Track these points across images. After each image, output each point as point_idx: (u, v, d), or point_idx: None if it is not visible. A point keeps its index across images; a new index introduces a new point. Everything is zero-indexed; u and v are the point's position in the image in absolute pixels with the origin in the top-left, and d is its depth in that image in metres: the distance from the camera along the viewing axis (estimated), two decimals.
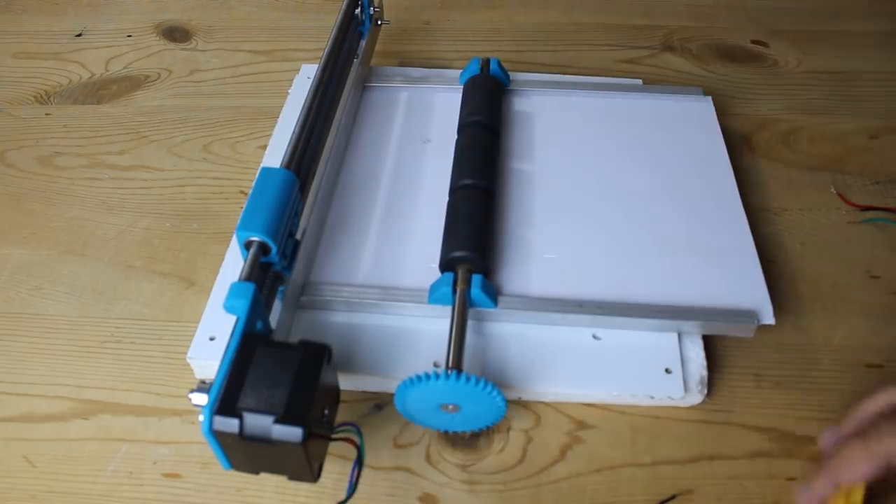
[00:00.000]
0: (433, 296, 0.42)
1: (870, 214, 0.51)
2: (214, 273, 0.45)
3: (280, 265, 0.39)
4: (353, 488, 0.35)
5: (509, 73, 0.57)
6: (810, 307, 0.45)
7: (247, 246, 0.38)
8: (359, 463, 0.36)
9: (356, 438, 0.36)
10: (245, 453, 0.32)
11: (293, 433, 0.30)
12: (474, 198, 0.46)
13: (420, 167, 0.52)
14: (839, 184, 0.53)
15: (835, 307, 0.45)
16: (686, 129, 0.54)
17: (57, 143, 0.58)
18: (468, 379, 0.35)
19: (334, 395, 0.36)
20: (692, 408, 0.41)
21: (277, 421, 0.30)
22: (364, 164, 0.52)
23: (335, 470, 0.39)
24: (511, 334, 0.42)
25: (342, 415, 0.38)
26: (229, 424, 0.31)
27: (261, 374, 0.32)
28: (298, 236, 0.42)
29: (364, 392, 0.42)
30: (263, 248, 0.38)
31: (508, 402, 0.38)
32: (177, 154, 0.57)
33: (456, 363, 0.37)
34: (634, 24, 0.69)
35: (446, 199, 0.47)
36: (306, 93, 0.47)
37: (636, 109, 0.56)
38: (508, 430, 0.40)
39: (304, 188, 0.43)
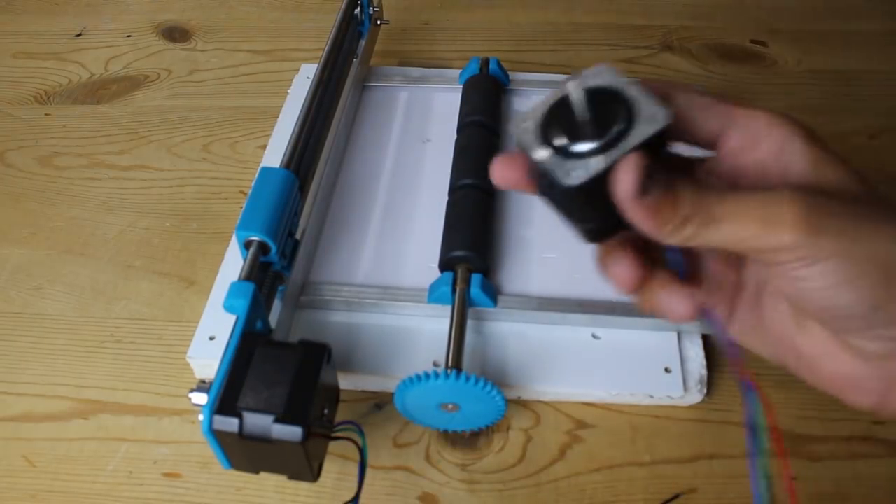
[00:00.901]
0: (433, 295, 0.42)
1: None
2: (214, 273, 0.45)
3: (280, 265, 0.39)
4: (359, 488, 0.35)
5: (509, 72, 0.57)
6: None
7: (246, 245, 0.38)
8: (362, 462, 0.35)
9: (358, 438, 0.36)
10: (245, 453, 0.32)
11: (293, 432, 0.30)
12: (474, 197, 0.46)
13: (420, 167, 0.52)
14: None
15: None
16: None
17: (56, 143, 0.58)
18: (468, 378, 0.35)
19: (334, 394, 0.37)
20: (691, 407, 0.41)
21: (277, 420, 0.30)
22: (363, 164, 0.52)
23: (335, 469, 0.39)
24: (510, 334, 0.42)
25: (342, 414, 0.38)
26: (229, 424, 0.31)
27: (260, 373, 0.32)
28: (298, 236, 0.42)
29: (364, 391, 0.42)
30: (263, 248, 0.38)
31: (508, 401, 0.38)
32: (176, 154, 0.57)
33: (455, 362, 0.37)
34: (634, 24, 0.69)
35: (446, 198, 0.47)
36: (306, 93, 0.47)
37: None
38: (508, 429, 0.40)
39: (303, 188, 0.43)
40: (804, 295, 0.24)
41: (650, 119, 0.23)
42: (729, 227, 0.23)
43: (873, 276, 0.23)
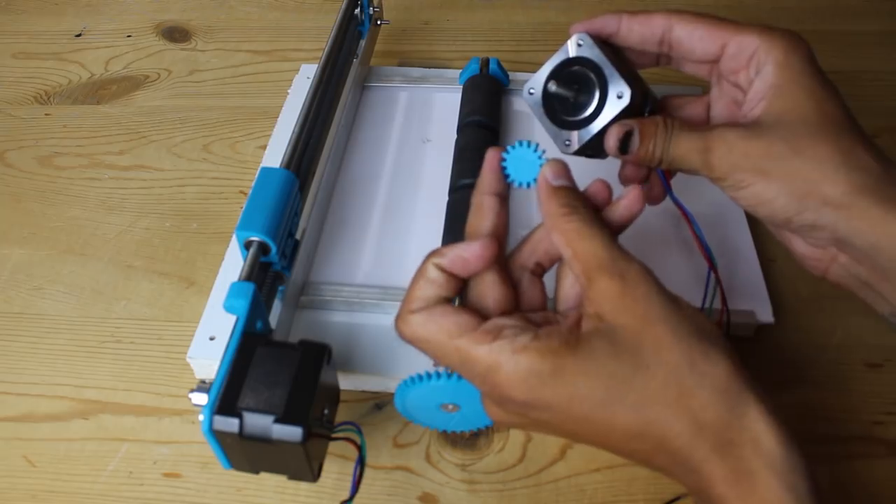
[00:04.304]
0: None
1: None
2: (214, 273, 0.45)
3: (280, 265, 0.39)
4: (355, 487, 0.35)
5: (509, 72, 0.57)
6: (809, 306, 0.45)
7: (247, 246, 0.38)
8: (361, 462, 0.36)
9: (357, 438, 0.36)
10: (245, 453, 0.32)
11: (293, 433, 0.30)
12: None
13: (419, 167, 0.52)
14: None
15: (834, 306, 0.45)
16: None
17: (57, 143, 0.58)
18: None
19: (334, 394, 0.37)
20: None
21: (277, 420, 0.30)
22: (363, 164, 0.52)
23: (335, 470, 0.39)
24: None
25: (342, 414, 0.38)
26: (229, 424, 0.31)
27: (261, 373, 0.32)
28: (298, 236, 0.42)
29: (364, 392, 0.42)
30: (263, 248, 0.38)
31: None
32: (176, 154, 0.57)
33: None
34: None
35: (446, 198, 0.47)
36: (306, 93, 0.47)
37: None
38: (508, 429, 0.40)
39: (303, 188, 0.43)
40: (741, 204, 0.33)
41: (617, 99, 0.33)
42: (682, 163, 0.33)
43: (782, 199, 0.31)
